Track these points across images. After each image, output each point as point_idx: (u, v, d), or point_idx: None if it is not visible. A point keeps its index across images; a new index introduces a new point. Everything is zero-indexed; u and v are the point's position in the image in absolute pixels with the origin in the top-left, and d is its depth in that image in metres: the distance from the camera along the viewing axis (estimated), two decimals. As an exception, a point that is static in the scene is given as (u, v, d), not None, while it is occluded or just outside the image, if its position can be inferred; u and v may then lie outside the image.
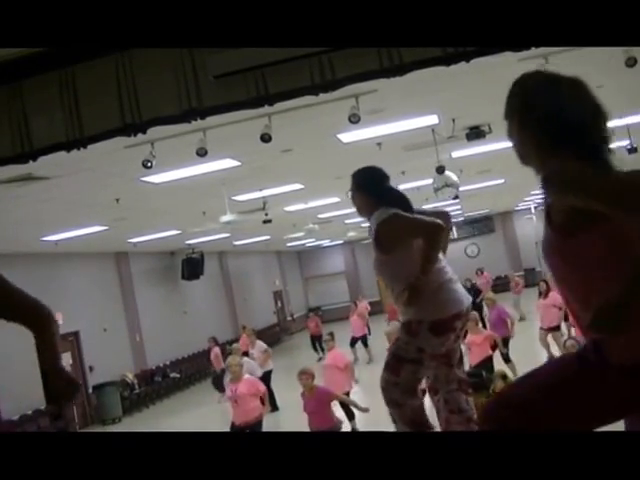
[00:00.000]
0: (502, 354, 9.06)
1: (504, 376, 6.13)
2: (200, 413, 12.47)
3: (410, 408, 3.15)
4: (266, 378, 10.81)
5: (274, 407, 10.93)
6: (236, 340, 14.82)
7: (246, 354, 11.47)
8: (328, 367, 8.26)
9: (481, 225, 28.27)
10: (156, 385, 15.53)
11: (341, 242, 27.85)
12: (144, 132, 3.75)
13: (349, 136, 7.14)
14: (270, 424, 9.56)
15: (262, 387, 7.47)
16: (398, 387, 3.11)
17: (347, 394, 8.02)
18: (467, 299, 3.22)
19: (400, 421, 3.19)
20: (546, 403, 1.70)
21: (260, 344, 11.73)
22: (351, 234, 21.06)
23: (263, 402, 7.28)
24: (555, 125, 1.71)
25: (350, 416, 8.05)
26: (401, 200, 3.26)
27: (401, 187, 12.88)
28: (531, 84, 1.79)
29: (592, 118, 1.71)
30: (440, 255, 3.18)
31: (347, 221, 17.93)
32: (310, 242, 24.91)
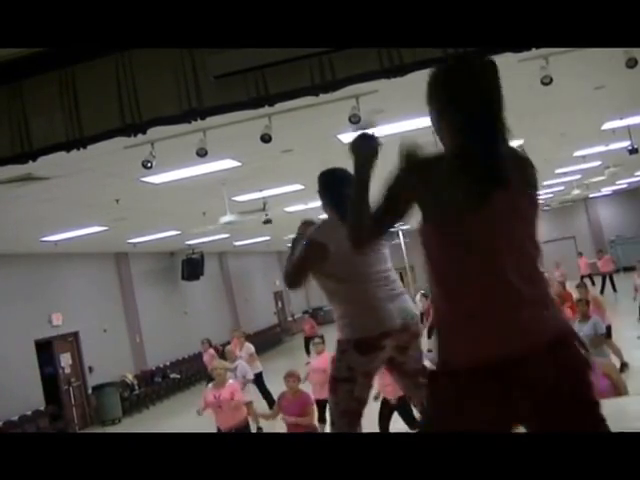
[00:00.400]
0: None
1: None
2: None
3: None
4: (259, 380, 10.87)
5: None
6: (236, 341, 14.80)
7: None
8: (316, 370, 8.20)
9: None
10: (156, 386, 15.52)
11: (341, 243, 27.82)
12: (144, 132, 3.75)
13: (350, 137, 7.13)
14: (269, 425, 9.54)
15: (242, 397, 7.41)
16: (337, 408, 3.11)
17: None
18: (401, 318, 3.11)
19: None
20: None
21: (248, 346, 11.68)
22: (351, 235, 21.04)
23: (247, 409, 7.22)
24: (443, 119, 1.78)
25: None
26: None
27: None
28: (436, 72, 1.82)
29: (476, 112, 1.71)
30: (374, 271, 3.16)
31: (347, 222, 17.91)
32: (310, 243, 24.88)
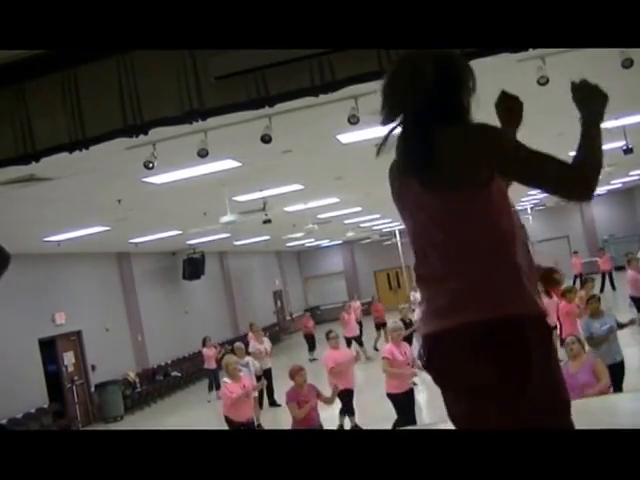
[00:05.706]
0: None
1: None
2: (201, 412, 12.53)
3: None
4: (268, 375, 11.08)
5: (274, 403, 11.23)
6: (236, 339, 14.87)
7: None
8: (343, 364, 8.26)
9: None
10: (157, 384, 15.59)
11: (340, 242, 27.87)
12: (146, 133, 3.78)
13: (348, 137, 7.17)
14: (270, 420, 9.62)
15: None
16: None
17: (352, 391, 8.16)
18: None
19: None
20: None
21: (267, 341, 11.95)
22: (350, 234, 21.07)
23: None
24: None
25: (351, 412, 8.18)
26: None
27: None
28: (419, 58, 1.87)
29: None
30: None
31: (346, 221, 17.95)
32: (309, 242, 24.94)
